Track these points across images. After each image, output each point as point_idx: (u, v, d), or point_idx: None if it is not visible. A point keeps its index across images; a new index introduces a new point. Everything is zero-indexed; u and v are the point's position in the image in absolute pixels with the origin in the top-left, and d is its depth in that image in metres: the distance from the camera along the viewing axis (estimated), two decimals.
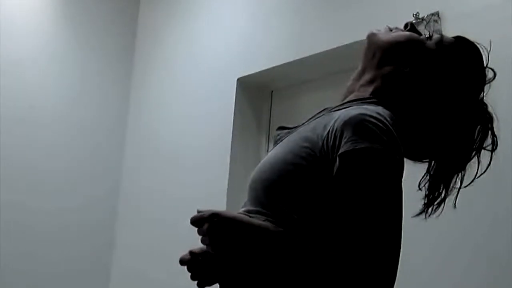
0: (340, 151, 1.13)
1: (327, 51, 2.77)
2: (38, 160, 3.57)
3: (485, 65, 1.34)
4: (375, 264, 1.06)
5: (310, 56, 2.88)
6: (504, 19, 2.21)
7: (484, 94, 1.34)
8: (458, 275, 2.14)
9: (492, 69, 1.36)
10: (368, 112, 1.17)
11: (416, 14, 2.38)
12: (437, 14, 2.35)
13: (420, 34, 1.38)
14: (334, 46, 2.71)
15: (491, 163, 1.34)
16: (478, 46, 1.35)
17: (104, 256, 3.72)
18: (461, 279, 2.13)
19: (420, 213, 1.35)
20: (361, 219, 1.09)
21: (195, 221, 1.16)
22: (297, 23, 3.01)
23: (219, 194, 3.02)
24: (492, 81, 1.35)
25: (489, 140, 1.35)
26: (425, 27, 2.33)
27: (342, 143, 1.13)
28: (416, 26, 1.39)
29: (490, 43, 1.37)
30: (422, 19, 2.36)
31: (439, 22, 2.32)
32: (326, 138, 1.17)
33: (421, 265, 2.23)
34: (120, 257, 3.70)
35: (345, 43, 2.58)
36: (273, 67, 3.07)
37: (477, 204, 2.12)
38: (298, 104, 3.11)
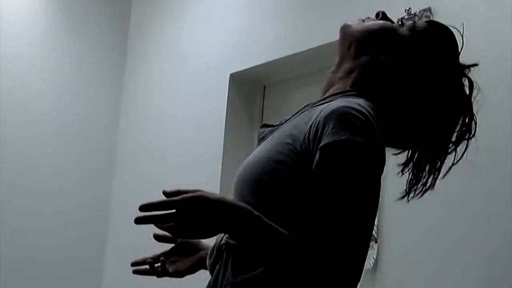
0: (321, 143, 1.14)
1: (320, 46, 2.78)
2: (28, 160, 3.52)
3: (459, 46, 1.35)
4: (345, 253, 1.09)
5: (303, 52, 2.88)
6: (496, 15, 2.22)
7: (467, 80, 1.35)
8: (457, 274, 2.14)
9: (473, 65, 1.36)
10: (350, 105, 1.18)
11: (408, 10, 2.38)
12: (429, 9, 2.36)
13: (392, 22, 1.39)
14: (327, 42, 2.71)
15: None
16: (451, 28, 1.36)
17: (95, 259, 3.67)
18: (460, 278, 2.14)
19: (403, 196, 1.36)
20: (337, 210, 1.11)
21: (176, 203, 1.10)
22: (290, 19, 3.01)
23: (212, 190, 3.01)
24: (472, 66, 1.36)
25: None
26: None
27: (324, 135, 1.14)
28: (387, 15, 1.41)
29: (463, 25, 1.38)
30: (414, 14, 2.37)
31: (431, 17, 2.32)
32: (308, 132, 1.18)
33: (421, 264, 2.24)
34: (112, 260, 3.67)
35: (338, 39, 2.59)
36: (266, 63, 3.07)
37: (476, 202, 2.13)
38: (291, 99, 3.12)
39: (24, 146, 3.52)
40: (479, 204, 2.13)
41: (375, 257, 2.33)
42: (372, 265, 2.34)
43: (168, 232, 1.11)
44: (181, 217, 1.09)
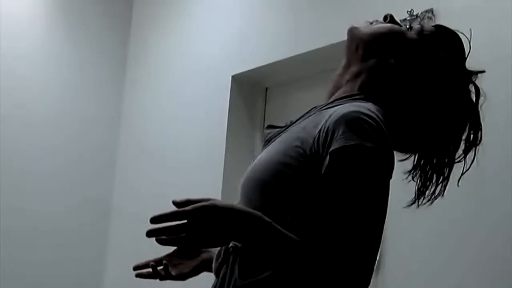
0: (331, 148, 1.14)
1: (321, 48, 2.78)
2: (28, 161, 3.52)
3: (466, 51, 1.35)
4: (355, 258, 1.09)
5: (305, 53, 2.88)
6: (497, 15, 2.21)
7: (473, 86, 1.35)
8: (459, 276, 2.14)
9: (481, 71, 1.37)
10: (360, 109, 1.17)
11: (410, 11, 2.38)
12: (431, 11, 2.35)
13: (400, 25, 1.39)
14: (329, 43, 2.72)
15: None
16: (458, 33, 1.36)
17: (96, 260, 3.66)
18: (462, 280, 2.13)
19: (412, 203, 1.36)
20: (347, 215, 1.10)
21: (188, 213, 1.08)
22: (292, 20, 3.01)
23: (213, 193, 3.02)
24: (479, 72, 1.36)
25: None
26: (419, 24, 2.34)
27: (334, 140, 1.14)
28: (395, 18, 1.40)
29: (470, 31, 1.38)
30: (416, 16, 2.37)
31: (433, 19, 2.33)
32: (317, 136, 1.18)
33: (423, 266, 2.24)
34: (112, 261, 3.67)
35: (340, 40, 2.58)
36: (268, 64, 3.07)
37: (477, 205, 2.13)
38: (293, 101, 3.12)
39: (24, 147, 3.52)
40: (481, 207, 2.12)
41: (377, 259, 2.33)
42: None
43: (180, 244, 1.10)
44: (192, 227, 1.08)
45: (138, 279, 1.49)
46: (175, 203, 1.11)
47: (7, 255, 3.36)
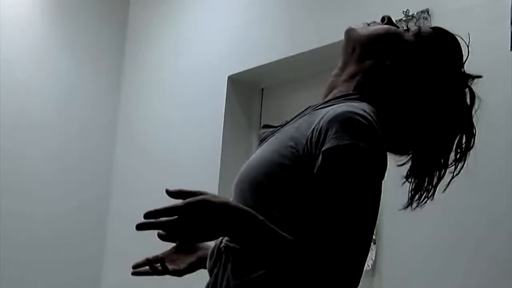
0: (324, 147, 1.14)
1: (318, 48, 2.78)
2: (25, 164, 3.50)
3: (463, 54, 1.36)
4: (346, 258, 1.09)
5: (301, 54, 2.88)
6: (493, 16, 2.22)
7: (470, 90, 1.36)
8: (457, 275, 2.14)
9: (478, 76, 1.37)
10: (353, 110, 1.18)
11: (406, 12, 2.39)
12: (427, 11, 2.36)
13: (397, 27, 1.39)
14: (325, 44, 2.72)
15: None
16: (456, 36, 1.36)
17: (94, 263, 3.64)
18: (459, 279, 2.13)
19: (406, 206, 1.36)
20: (338, 215, 1.11)
21: (184, 207, 1.08)
22: (288, 21, 3.01)
23: (211, 192, 3.01)
24: (476, 77, 1.36)
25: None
26: (415, 25, 2.34)
27: (327, 140, 1.15)
28: (392, 20, 1.41)
29: (469, 35, 1.38)
30: (412, 16, 2.38)
31: (429, 19, 2.33)
32: (310, 136, 1.18)
33: (420, 265, 2.24)
34: (110, 264, 3.66)
35: (336, 41, 2.59)
36: (264, 65, 3.07)
37: (475, 205, 2.13)
38: (289, 101, 3.12)
39: (22, 150, 3.50)
40: (478, 207, 2.13)
41: (373, 259, 2.33)
42: (370, 266, 2.34)
43: (171, 237, 1.10)
44: (185, 222, 1.08)
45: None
46: (168, 192, 1.11)
47: (5, 257, 3.34)
